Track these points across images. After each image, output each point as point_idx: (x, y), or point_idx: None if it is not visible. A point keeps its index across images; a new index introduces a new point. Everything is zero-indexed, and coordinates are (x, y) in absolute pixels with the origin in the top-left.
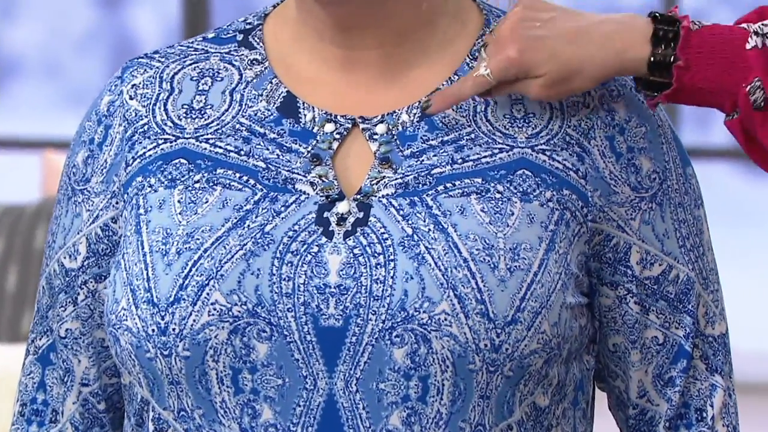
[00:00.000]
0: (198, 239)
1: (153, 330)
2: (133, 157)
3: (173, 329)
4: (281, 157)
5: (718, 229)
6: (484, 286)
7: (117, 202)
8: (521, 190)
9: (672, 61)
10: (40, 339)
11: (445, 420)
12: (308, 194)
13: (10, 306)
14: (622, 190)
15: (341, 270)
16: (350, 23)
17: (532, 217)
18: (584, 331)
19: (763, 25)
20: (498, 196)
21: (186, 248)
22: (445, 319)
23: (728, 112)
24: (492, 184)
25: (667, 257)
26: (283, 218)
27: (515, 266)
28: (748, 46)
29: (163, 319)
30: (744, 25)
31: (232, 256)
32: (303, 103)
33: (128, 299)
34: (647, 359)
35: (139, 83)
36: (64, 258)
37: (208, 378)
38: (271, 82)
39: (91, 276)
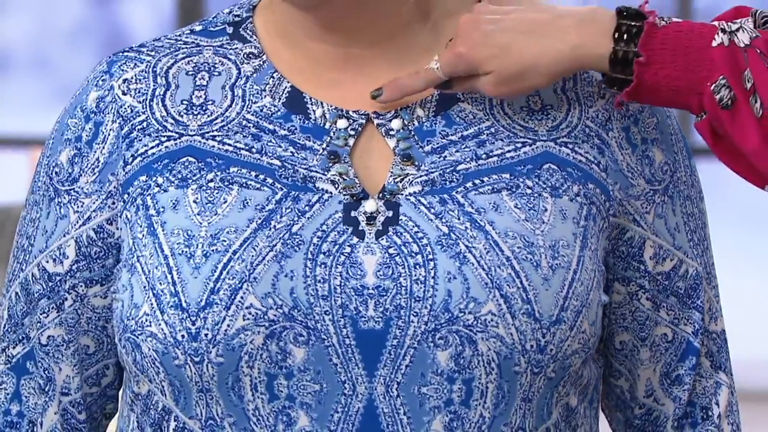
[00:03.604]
0: (224, 241)
1: (182, 336)
2: (132, 156)
3: (205, 334)
4: (296, 154)
5: (729, 231)
6: (529, 285)
7: (114, 203)
8: (550, 184)
9: (633, 57)
10: (14, 347)
11: (488, 424)
12: (331, 193)
13: None
14: (638, 182)
15: (378, 271)
16: (335, 24)
17: (565, 213)
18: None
19: (732, 23)
20: (528, 191)
21: (213, 250)
22: (492, 320)
23: (696, 113)
24: (521, 180)
25: (678, 252)
26: (308, 218)
27: (556, 264)
28: (714, 44)
29: (193, 324)
30: (716, 22)
31: (263, 258)
32: (310, 98)
33: (151, 304)
34: (656, 357)
35: (131, 78)
36: (47, 262)
37: (242, 385)
38: (273, 77)
39: (81, 280)
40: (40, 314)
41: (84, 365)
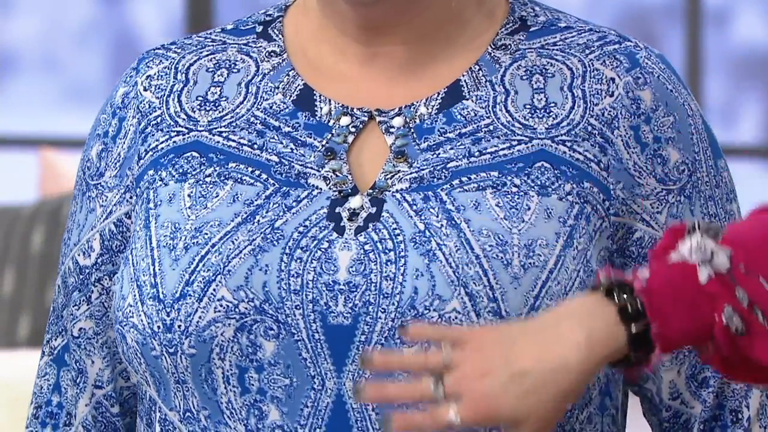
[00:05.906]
0: (206, 234)
1: (159, 327)
2: (145, 150)
3: (179, 326)
4: (295, 151)
5: None
6: (496, 283)
7: (130, 197)
8: (539, 183)
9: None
10: (55, 339)
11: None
12: (321, 189)
13: (6, 310)
14: (647, 182)
15: (351, 266)
16: (378, 23)
17: (550, 212)
18: None
19: (700, 252)
20: (514, 190)
21: (193, 243)
22: (456, 318)
23: (707, 350)
24: (509, 178)
25: None
26: (293, 213)
27: (529, 263)
28: (702, 280)
29: (168, 315)
30: (678, 258)
31: (240, 252)
32: (319, 96)
33: (134, 295)
34: (678, 359)
35: (154, 74)
36: (78, 255)
37: (214, 377)
38: (288, 75)
39: (106, 273)
40: (73, 307)
41: (116, 359)
